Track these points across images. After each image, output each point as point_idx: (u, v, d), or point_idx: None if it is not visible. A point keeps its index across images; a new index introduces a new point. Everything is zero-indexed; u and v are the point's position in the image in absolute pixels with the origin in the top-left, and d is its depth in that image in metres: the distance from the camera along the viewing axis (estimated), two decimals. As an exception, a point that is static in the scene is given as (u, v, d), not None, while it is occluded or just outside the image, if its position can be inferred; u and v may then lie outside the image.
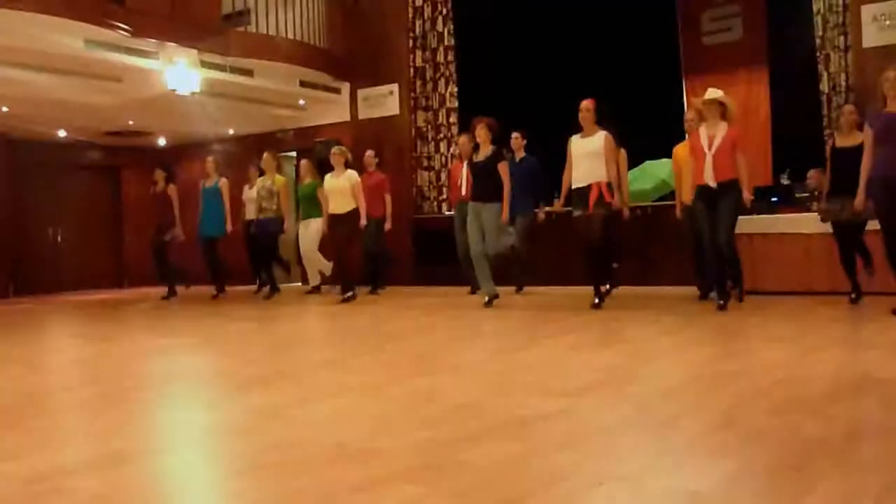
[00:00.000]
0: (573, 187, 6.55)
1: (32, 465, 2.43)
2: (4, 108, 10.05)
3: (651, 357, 4.23)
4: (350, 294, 8.17)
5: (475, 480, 2.11)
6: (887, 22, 7.74)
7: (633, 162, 8.74)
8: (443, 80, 10.76)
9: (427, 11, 10.81)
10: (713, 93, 6.21)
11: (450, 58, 10.69)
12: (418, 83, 10.93)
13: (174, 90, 9.27)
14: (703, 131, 6.17)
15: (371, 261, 9.20)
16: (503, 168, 7.12)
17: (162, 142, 13.12)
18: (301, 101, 11.20)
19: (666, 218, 7.76)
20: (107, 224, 13.48)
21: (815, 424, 2.55)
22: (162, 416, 3.31)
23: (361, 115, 11.28)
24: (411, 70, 10.93)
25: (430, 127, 10.88)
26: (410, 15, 10.90)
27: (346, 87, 11.33)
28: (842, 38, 8.20)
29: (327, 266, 9.53)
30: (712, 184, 5.97)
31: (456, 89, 10.71)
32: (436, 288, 9.37)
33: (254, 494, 2.12)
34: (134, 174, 13.37)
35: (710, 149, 6.02)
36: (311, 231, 9.36)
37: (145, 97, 9.73)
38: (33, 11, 7.54)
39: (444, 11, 10.69)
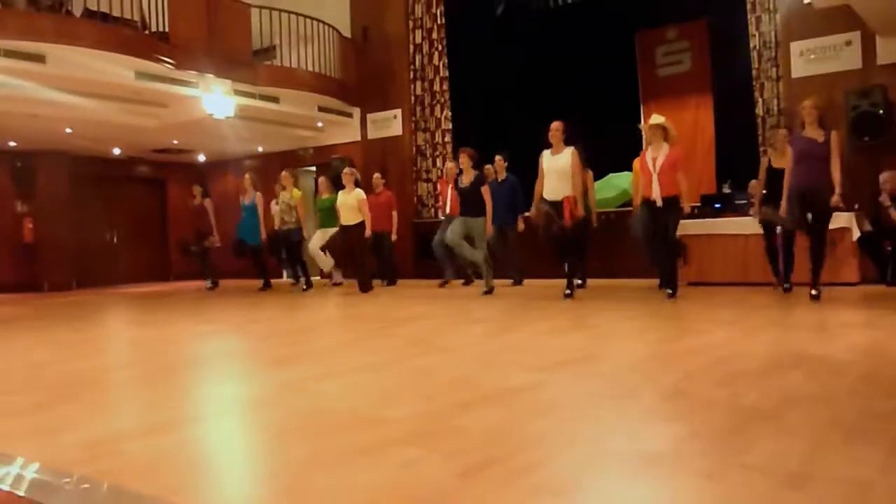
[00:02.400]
0: (546, 198, 6.43)
1: (92, 432, 2.42)
2: (68, 130, 10.03)
3: (615, 339, 4.23)
4: (365, 283, 8.30)
5: (466, 443, 2.10)
6: (812, 56, 7.77)
7: (599, 174, 8.78)
8: (438, 105, 10.77)
9: (425, 48, 10.82)
10: (657, 118, 6.18)
11: (444, 87, 10.71)
12: (418, 108, 10.95)
13: (212, 114, 9.26)
14: (648, 153, 6.12)
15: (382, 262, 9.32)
16: (485, 190, 7.31)
17: (201, 158, 13.10)
18: (319, 124, 11.20)
19: (626, 220, 7.78)
20: (154, 227, 13.47)
21: (753, 394, 2.56)
22: (202, 390, 3.30)
23: (370, 136, 11.29)
24: (412, 97, 10.94)
25: (427, 145, 10.89)
26: (411, 51, 10.91)
27: (357, 112, 11.34)
28: (774, 69, 8.23)
29: (328, 263, 9.37)
30: (659, 202, 5.97)
31: (449, 113, 10.72)
32: (432, 280, 9.35)
33: (280, 455, 2.11)
34: (177, 185, 13.36)
35: (654, 169, 5.99)
36: (326, 237, 9.22)
37: (187, 120, 9.73)
38: (93, 48, 7.54)
39: (440, 48, 10.71)
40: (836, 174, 5.50)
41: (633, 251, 8.11)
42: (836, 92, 7.50)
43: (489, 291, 7.22)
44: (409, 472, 1.86)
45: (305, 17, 10.15)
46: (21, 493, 1.86)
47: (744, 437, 2.04)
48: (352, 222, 8.28)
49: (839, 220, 6.70)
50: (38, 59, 7.39)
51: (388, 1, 11.01)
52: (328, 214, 9.24)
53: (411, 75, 10.92)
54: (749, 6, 8.35)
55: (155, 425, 2.49)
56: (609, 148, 8.43)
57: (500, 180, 8.30)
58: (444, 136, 10.70)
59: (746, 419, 2.23)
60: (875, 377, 2.80)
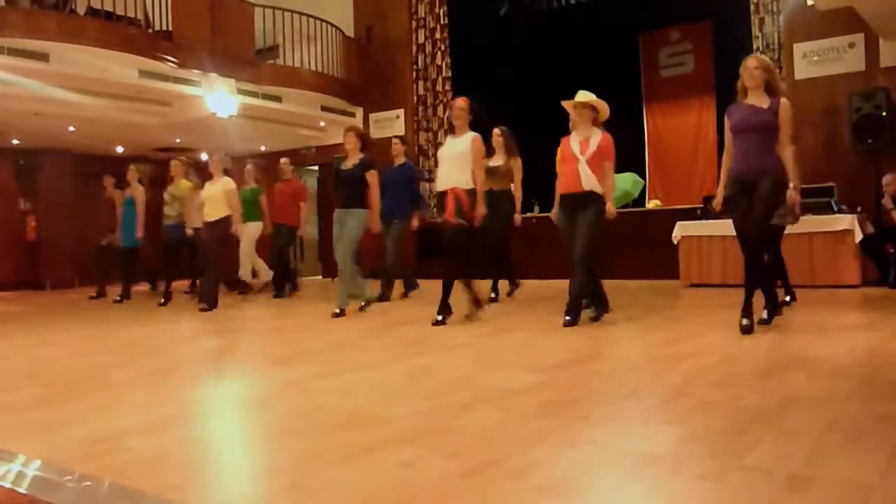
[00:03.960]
0: (437, 191, 5.24)
1: (95, 428, 2.43)
2: (72, 128, 10.04)
3: (614, 340, 4.23)
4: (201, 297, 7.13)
5: (466, 443, 2.10)
6: (815, 58, 7.76)
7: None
8: (441, 105, 10.77)
9: (428, 48, 10.83)
10: (585, 95, 4.86)
11: (447, 87, 10.71)
12: (420, 108, 10.95)
13: (215, 113, 9.27)
14: (573, 137, 4.84)
15: (278, 266, 8.35)
16: (371, 176, 5.88)
17: (204, 157, 13.09)
18: (322, 123, 11.21)
19: (627, 221, 7.74)
20: (157, 226, 13.45)
21: (753, 396, 2.56)
22: (202, 389, 3.31)
23: (373, 135, 11.24)
24: (415, 97, 10.95)
25: (430, 145, 10.89)
26: (414, 51, 10.92)
27: (359, 112, 11.34)
28: (777, 71, 8.21)
29: (266, 271, 8.54)
30: (580, 192, 4.70)
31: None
32: (435, 281, 9.32)
33: (281, 454, 2.11)
34: (180, 184, 13.36)
35: (583, 154, 4.73)
36: (248, 234, 8.18)
37: (190, 119, 9.74)
38: (96, 46, 7.55)
39: (443, 48, 10.71)
40: (788, 156, 4.09)
41: (631, 251, 8.11)
42: (838, 94, 7.51)
43: (341, 314, 5.82)
44: (409, 472, 1.87)
45: (309, 16, 10.16)
46: (22, 491, 1.86)
47: (744, 438, 2.04)
48: (215, 217, 6.99)
49: (842, 222, 6.69)
50: (42, 57, 7.40)
51: (392, 1, 11.02)
52: (250, 206, 8.19)
53: (414, 75, 10.92)
54: (752, 8, 8.34)
55: (156, 423, 2.49)
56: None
57: (396, 165, 7.37)
58: (445, 137, 10.70)
59: (747, 421, 2.22)
60: (876, 380, 2.80)
